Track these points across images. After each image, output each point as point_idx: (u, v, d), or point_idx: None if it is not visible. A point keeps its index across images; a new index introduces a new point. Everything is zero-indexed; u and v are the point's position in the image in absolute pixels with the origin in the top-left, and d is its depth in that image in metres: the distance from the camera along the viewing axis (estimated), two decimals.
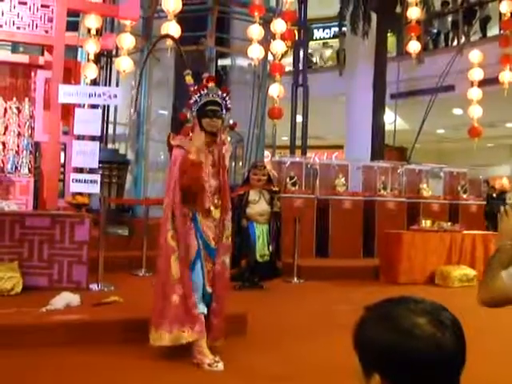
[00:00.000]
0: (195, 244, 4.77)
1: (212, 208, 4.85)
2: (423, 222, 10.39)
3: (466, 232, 10.48)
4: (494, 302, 2.29)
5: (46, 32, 8.05)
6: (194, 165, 4.67)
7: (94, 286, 6.93)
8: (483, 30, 17.17)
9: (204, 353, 4.69)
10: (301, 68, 15.08)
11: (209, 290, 4.84)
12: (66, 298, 5.82)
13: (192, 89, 4.90)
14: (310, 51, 20.07)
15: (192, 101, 4.85)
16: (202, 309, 4.77)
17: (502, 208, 2.44)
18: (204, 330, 4.73)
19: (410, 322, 1.28)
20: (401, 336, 1.27)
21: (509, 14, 12.49)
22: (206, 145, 4.82)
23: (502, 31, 13.81)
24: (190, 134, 4.85)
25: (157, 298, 4.86)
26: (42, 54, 8.79)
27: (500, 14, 13.90)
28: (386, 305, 1.37)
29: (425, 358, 1.25)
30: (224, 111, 4.92)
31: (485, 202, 13.09)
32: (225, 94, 4.94)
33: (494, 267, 2.28)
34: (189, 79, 5.03)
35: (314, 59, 22.88)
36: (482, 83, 12.63)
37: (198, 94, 4.84)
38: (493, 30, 16.90)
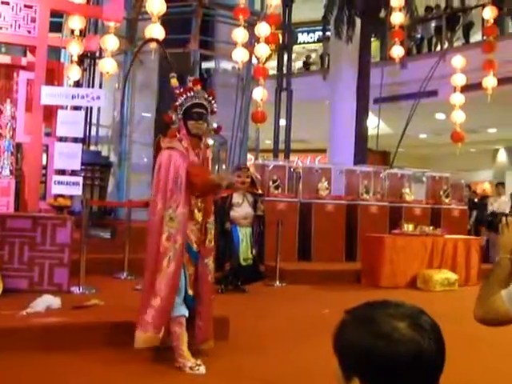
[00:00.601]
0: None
1: (195, 211, 4.81)
2: (405, 226, 10.43)
3: (447, 236, 10.55)
4: (491, 321, 2.24)
5: (29, 32, 7.99)
6: (201, 167, 4.80)
7: (75, 289, 6.88)
8: (466, 35, 17.30)
9: (185, 356, 4.66)
10: (285, 72, 15.10)
11: (190, 292, 4.79)
12: (47, 301, 5.78)
13: (178, 91, 4.90)
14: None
15: (178, 103, 4.84)
16: (184, 311, 4.73)
17: (503, 219, 2.38)
18: (183, 333, 4.70)
19: (390, 325, 1.29)
20: (380, 340, 1.27)
21: (491, 20, 12.58)
22: (191, 147, 4.81)
23: (484, 37, 13.91)
24: (178, 136, 4.83)
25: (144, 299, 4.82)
26: (25, 55, 8.72)
27: (483, 20, 14.00)
28: (366, 308, 1.37)
29: (404, 361, 1.25)
30: (209, 114, 4.93)
31: (466, 207, 13.16)
32: (211, 98, 4.95)
33: (492, 282, 2.23)
34: (174, 82, 5.03)
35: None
36: (465, 89, 12.71)
37: (184, 97, 4.83)
38: (476, 36, 17.03)
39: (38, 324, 5.26)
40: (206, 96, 4.93)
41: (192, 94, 4.85)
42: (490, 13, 12.54)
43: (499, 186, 14.46)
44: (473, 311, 2.22)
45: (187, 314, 4.77)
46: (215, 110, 5.01)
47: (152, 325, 4.65)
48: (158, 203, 4.73)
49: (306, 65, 22.93)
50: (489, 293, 2.19)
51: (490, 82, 12.34)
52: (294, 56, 18.03)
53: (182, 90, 4.89)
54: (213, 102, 4.96)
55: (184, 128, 4.83)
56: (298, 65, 22.91)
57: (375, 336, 1.28)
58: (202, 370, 4.59)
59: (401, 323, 1.29)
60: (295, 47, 21.46)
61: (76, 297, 6.54)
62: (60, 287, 6.73)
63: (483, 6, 13.42)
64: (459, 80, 12.57)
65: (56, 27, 10.02)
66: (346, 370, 1.33)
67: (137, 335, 4.69)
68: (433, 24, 18.31)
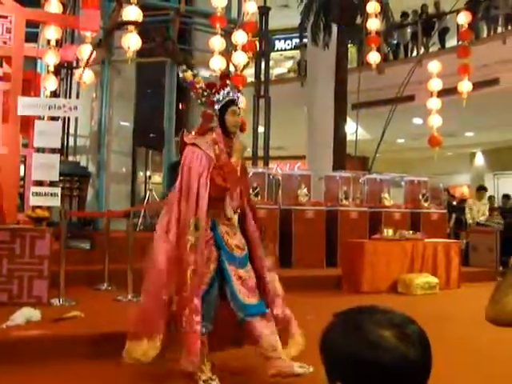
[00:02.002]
0: (214, 256, 4.44)
1: (231, 214, 4.59)
2: (385, 230, 10.46)
3: (427, 240, 10.59)
4: (502, 322, 2.21)
5: (5, 43, 7.96)
6: (234, 170, 4.50)
7: (55, 301, 6.82)
8: (442, 41, 17.47)
9: (202, 368, 4.38)
10: (263, 79, 15.13)
11: (247, 301, 4.43)
12: (27, 314, 5.73)
13: (199, 85, 4.68)
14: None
15: (215, 99, 4.59)
16: (209, 328, 4.39)
17: None
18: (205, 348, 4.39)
19: (376, 333, 1.28)
20: (365, 347, 1.26)
21: (466, 26, 12.69)
22: (225, 146, 4.59)
23: (459, 42, 14.04)
24: (214, 135, 4.57)
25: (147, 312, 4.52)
26: (1, 66, 8.67)
27: (458, 25, 14.14)
28: (355, 314, 1.36)
29: (388, 370, 1.25)
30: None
31: (445, 211, 13.25)
32: (240, 94, 4.81)
33: (507, 284, 2.19)
34: (188, 76, 4.91)
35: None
36: (441, 93, 12.81)
37: (222, 93, 4.60)
38: (451, 41, 17.19)
39: (18, 337, 5.21)
40: (237, 92, 4.77)
41: (229, 89, 4.64)
42: (464, 18, 12.66)
43: (481, 190, 14.56)
44: (485, 311, 2.19)
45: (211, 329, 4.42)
46: (242, 106, 4.85)
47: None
48: (182, 207, 4.43)
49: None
50: (502, 294, 2.17)
51: (465, 86, 12.43)
52: (271, 63, 18.08)
53: (217, 84, 4.66)
54: (241, 98, 4.83)
55: (219, 125, 4.60)
56: (275, 72, 22.98)
57: (361, 343, 1.27)
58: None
59: (387, 331, 1.28)
60: (273, 54, 21.52)
61: (56, 309, 6.48)
62: (40, 299, 6.67)
63: (458, 11, 13.55)
64: (435, 85, 12.66)
65: (32, 37, 9.96)
66: (330, 375, 1.32)
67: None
68: (409, 30, 18.47)
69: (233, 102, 4.61)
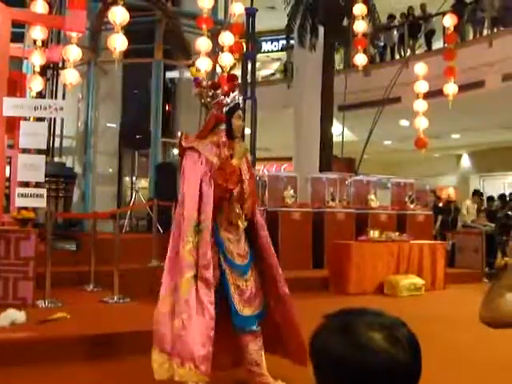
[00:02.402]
0: (216, 262, 4.27)
1: (235, 220, 4.41)
2: (371, 232, 10.49)
3: (413, 242, 10.64)
4: (496, 324, 2.20)
5: None
6: (235, 171, 4.33)
7: (40, 303, 6.78)
8: (428, 43, 17.53)
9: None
10: (249, 80, 15.12)
11: (246, 312, 4.32)
12: (12, 316, 5.70)
13: (203, 84, 4.56)
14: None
15: (224, 101, 4.45)
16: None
17: None
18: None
19: (366, 336, 1.27)
20: (355, 349, 1.26)
21: (452, 28, 12.75)
22: (227, 149, 4.44)
23: (445, 44, 14.11)
24: (217, 138, 4.43)
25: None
26: None
27: (444, 27, 14.20)
28: (345, 316, 1.35)
29: (378, 373, 1.24)
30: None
31: (431, 212, 13.30)
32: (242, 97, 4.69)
33: (501, 285, 2.18)
34: (194, 72, 4.79)
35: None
36: (428, 95, 12.86)
37: (231, 96, 4.47)
38: (437, 44, 17.26)
39: (2, 339, 5.18)
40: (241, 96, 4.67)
41: (237, 93, 4.53)
42: (450, 20, 12.72)
43: (476, 196, 14.66)
44: (479, 313, 2.18)
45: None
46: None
47: (176, 355, 4.06)
48: (187, 209, 4.26)
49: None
50: (495, 295, 2.16)
51: (450, 88, 12.49)
52: (258, 65, 18.08)
53: (226, 87, 4.52)
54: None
55: (225, 128, 4.46)
56: (262, 73, 22.99)
57: (350, 345, 1.27)
58: None
59: (377, 334, 1.28)
60: (259, 56, 21.52)
61: (41, 311, 6.45)
62: (25, 301, 6.63)
63: (444, 13, 13.61)
64: (422, 87, 12.71)
65: (18, 37, 9.91)
66: (319, 377, 1.32)
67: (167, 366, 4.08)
68: (395, 32, 18.52)
69: (239, 106, 4.52)
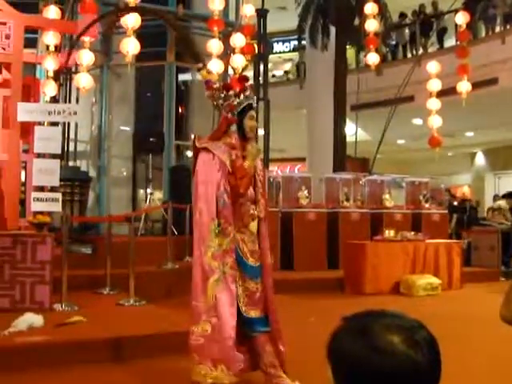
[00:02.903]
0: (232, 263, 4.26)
1: (248, 220, 4.39)
2: (386, 232, 10.46)
3: (429, 241, 10.59)
4: None
5: (4, 49, 7.96)
6: (246, 175, 4.30)
7: (57, 306, 6.80)
8: (440, 41, 17.46)
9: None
10: (261, 82, 15.13)
11: (252, 314, 4.31)
12: (29, 320, 5.72)
13: (215, 86, 4.52)
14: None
15: (235, 102, 4.40)
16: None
17: None
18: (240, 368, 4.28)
19: (385, 339, 1.26)
20: (373, 353, 1.24)
21: (464, 26, 12.71)
22: (240, 150, 4.40)
23: (458, 42, 14.06)
24: (230, 139, 4.39)
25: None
26: (0, 72, 8.68)
27: (456, 25, 14.15)
28: (364, 318, 1.34)
29: (396, 376, 1.23)
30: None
31: (446, 211, 13.24)
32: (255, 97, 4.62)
33: None
34: (204, 75, 4.77)
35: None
36: (441, 93, 12.81)
37: (243, 96, 4.42)
38: (449, 41, 17.19)
39: (20, 343, 5.20)
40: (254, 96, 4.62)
41: (248, 93, 4.47)
42: (462, 18, 12.67)
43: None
44: (499, 312, 2.16)
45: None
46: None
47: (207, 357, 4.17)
48: (203, 213, 4.25)
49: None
50: None
51: (464, 86, 12.44)
52: (270, 66, 18.08)
53: (237, 88, 4.45)
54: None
55: (237, 130, 4.43)
56: (274, 74, 23.01)
57: (369, 348, 1.25)
58: None
59: (396, 337, 1.26)
60: (271, 57, 21.53)
61: (58, 314, 6.47)
62: (42, 305, 6.65)
63: (456, 11, 13.56)
64: (435, 85, 12.67)
65: (31, 43, 9.97)
66: (337, 380, 1.31)
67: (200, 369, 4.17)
68: (407, 30, 18.47)
69: (251, 106, 4.47)
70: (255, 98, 4.62)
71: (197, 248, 4.27)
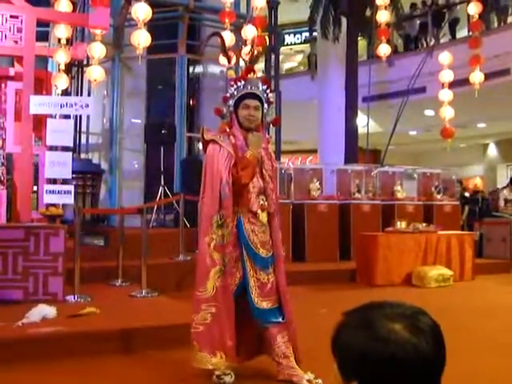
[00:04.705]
0: (238, 254, 4.30)
1: (259, 211, 4.36)
2: (398, 223, 10.45)
3: (440, 232, 10.56)
4: None
5: (16, 43, 7.98)
6: (249, 165, 4.27)
7: (70, 298, 6.85)
8: (452, 31, 17.37)
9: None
10: (273, 73, 15.11)
11: (262, 305, 4.31)
12: (42, 311, 5.76)
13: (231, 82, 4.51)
14: None
15: (228, 93, 4.41)
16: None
17: None
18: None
19: (386, 328, 1.27)
20: (377, 343, 1.26)
21: (477, 16, 12.64)
22: (245, 143, 4.37)
23: (470, 33, 13.99)
24: (228, 131, 4.39)
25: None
26: (12, 65, 8.72)
27: (468, 15, 14.07)
28: (363, 310, 1.35)
29: (401, 364, 1.24)
30: (265, 105, 4.47)
31: (458, 203, 13.20)
32: (265, 86, 4.50)
33: None
34: (231, 73, 4.73)
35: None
36: (453, 84, 12.76)
37: (235, 86, 4.40)
38: (461, 32, 17.11)
39: (34, 334, 5.24)
40: (260, 85, 4.46)
41: (243, 83, 4.39)
42: (474, 8, 12.60)
43: None
44: None
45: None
46: (271, 99, 4.60)
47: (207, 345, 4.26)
48: (206, 205, 4.32)
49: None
50: None
51: (476, 77, 12.38)
52: (281, 57, 18.05)
53: (242, 80, 4.43)
54: (268, 91, 4.51)
55: (236, 121, 4.40)
56: (285, 66, 22.96)
57: (372, 339, 1.26)
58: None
59: (397, 325, 1.27)
60: (282, 49, 21.49)
61: (71, 306, 6.51)
62: (55, 296, 6.70)
63: (468, 1, 13.49)
64: (447, 76, 12.62)
65: (42, 36, 10.00)
66: (344, 373, 1.32)
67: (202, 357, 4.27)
68: (418, 21, 18.39)
69: (249, 96, 4.38)
70: (259, 86, 4.45)
71: (201, 239, 4.33)
